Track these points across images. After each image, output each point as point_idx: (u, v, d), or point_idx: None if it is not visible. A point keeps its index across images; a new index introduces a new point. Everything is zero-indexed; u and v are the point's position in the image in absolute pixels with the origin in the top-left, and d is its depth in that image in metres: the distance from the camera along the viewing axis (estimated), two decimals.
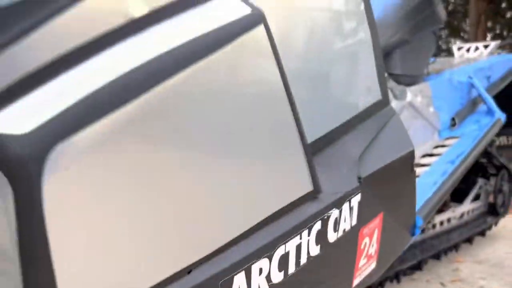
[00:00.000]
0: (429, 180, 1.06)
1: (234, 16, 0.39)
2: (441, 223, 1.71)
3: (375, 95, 0.64)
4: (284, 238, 0.44)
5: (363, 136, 0.58)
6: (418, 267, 1.53)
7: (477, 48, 2.22)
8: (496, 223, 2.19)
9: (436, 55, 2.20)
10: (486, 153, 1.93)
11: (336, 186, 0.50)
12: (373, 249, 0.58)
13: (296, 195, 0.45)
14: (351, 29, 0.61)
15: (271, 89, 0.43)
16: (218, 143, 0.40)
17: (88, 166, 0.31)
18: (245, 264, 0.41)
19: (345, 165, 0.53)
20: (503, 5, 4.78)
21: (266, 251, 0.43)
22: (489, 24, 5.64)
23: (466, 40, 6.15)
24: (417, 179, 1.15)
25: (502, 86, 1.81)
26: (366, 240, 0.57)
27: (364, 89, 0.62)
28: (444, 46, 7.61)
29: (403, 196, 0.68)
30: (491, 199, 2.10)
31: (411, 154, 0.65)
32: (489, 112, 1.51)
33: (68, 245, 0.30)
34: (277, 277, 0.45)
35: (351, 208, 0.52)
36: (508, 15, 5.00)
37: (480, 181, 2.02)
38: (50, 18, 0.30)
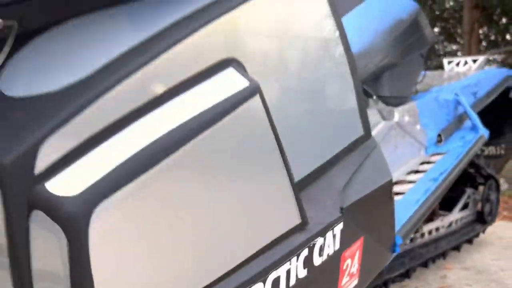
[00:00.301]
0: (413, 198, 1.15)
1: (235, 88, 0.48)
2: (430, 231, 1.79)
3: (358, 131, 0.72)
4: (276, 265, 0.52)
5: (347, 169, 0.67)
6: (407, 274, 1.62)
7: (466, 63, 2.31)
8: (484, 231, 2.28)
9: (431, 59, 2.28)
10: (473, 164, 2.02)
11: (321, 217, 0.58)
12: (354, 269, 0.67)
13: (286, 228, 0.53)
14: (333, 73, 0.70)
15: (264, 143, 0.51)
16: (223, 190, 0.48)
17: (122, 218, 0.40)
18: None
19: (329, 197, 0.62)
20: (497, 12, 4.87)
21: (260, 276, 0.51)
22: (484, 30, 5.74)
23: (461, 45, 6.21)
24: (402, 196, 1.24)
25: (488, 101, 1.89)
26: (348, 261, 0.65)
27: (347, 127, 0.70)
28: (441, 50, 7.72)
29: (382, 220, 0.76)
30: (479, 207, 2.19)
31: (390, 183, 0.74)
32: (474, 128, 1.60)
33: (108, 276, 0.39)
34: None
35: (334, 235, 0.61)
36: (503, 20, 5.09)
37: (469, 191, 2.11)
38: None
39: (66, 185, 0.37)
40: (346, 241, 0.62)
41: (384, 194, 0.72)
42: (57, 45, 0.45)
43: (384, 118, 1.31)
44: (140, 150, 0.41)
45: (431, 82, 2.06)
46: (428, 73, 2.38)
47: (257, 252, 0.50)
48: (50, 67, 0.44)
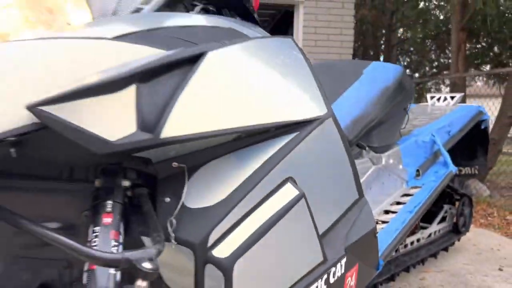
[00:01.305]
0: (393, 227, 1.58)
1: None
2: (412, 242, 2.21)
3: (355, 195, 1.14)
4: (311, 283, 0.94)
5: (348, 221, 1.09)
6: (392, 278, 2.04)
7: (445, 99, 2.74)
8: (459, 239, 2.72)
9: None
10: (450, 186, 2.44)
11: (333, 255, 1.00)
12: (353, 283, 1.09)
13: (313, 265, 0.95)
14: (337, 162, 1.10)
15: (304, 222, 0.94)
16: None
17: (252, 263, 0.82)
18: None
19: (338, 241, 1.04)
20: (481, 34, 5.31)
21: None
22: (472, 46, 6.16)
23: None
24: (385, 225, 1.67)
25: (460, 137, 2.31)
26: (349, 279, 1.07)
27: (348, 196, 1.12)
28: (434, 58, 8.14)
29: (370, 252, 1.19)
30: (454, 220, 2.62)
31: (374, 228, 1.16)
32: (445, 164, 2.03)
33: None
34: None
35: (341, 265, 1.02)
36: (487, 40, 5.52)
37: (446, 206, 2.53)
38: None
39: (223, 250, 0.79)
40: (347, 267, 1.04)
41: (370, 235, 1.14)
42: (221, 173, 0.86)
43: (374, 163, 1.73)
44: (263, 223, 0.82)
45: (416, 116, 2.48)
46: (415, 106, 2.81)
47: (302, 277, 0.92)
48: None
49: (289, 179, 0.89)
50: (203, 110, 0.77)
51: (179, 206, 0.80)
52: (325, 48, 5.45)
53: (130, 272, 0.65)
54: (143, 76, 0.72)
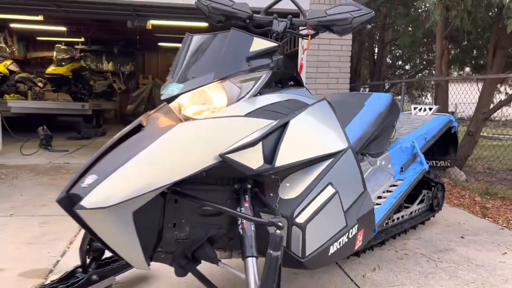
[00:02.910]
0: (384, 207, 2.40)
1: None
2: (398, 218, 3.06)
3: (361, 189, 1.95)
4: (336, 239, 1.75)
5: (357, 204, 1.91)
6: (383, 243, 2.89)
7: (425, 109, 3.56)
8: (434, 216, 3.57)
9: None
10: (427, 176, 3.28)
11: (351, 222, 1.81)
12: (361, 238, 1.92)
13: (341, 227, 1.76)
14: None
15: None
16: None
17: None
18: None
19: (353, 215, 1.84)
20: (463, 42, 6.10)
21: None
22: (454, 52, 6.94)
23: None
24: (379, 206, 2.51)
25: (434, 141, 3.14)
26: (359, 237, 1.88)
27: (359, 189, 1.93)
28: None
29: (370, 222, 2.01)
30: (430, 202, 3.47)
31: (372, 209, 1.98)
32: (421, 163, 2.87)
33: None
34: None
35: (354, 229, 1.82)
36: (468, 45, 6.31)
37: (424, 191, 3.38)
38: None
39: (301, 219, 1.60)
40: (358, 230, 1.87)
41: (370, 212, 1.96)
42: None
43: (371, 165, 2.56)
44: (318, 206, 1.63)
45: (402, 124, 3.30)
46: (403, 114, 3.63)
47: (335, 233, 1.74)
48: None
49: (330, 183, 1.72)
50: (291, 151, 1.58)
51: (278, 198, 1.63)
52: (327, 51, 6.24)
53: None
54: (265, 136, 1.52)
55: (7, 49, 9.44)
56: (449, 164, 3.70)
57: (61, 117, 10.78)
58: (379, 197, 2.56)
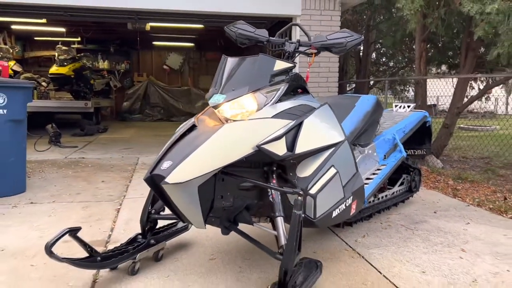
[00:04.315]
0: (371, 186, 3.04)
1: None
2: (382, 197, 3.72)
3: (354, 170, 2.57)
4: (335, 207, 2.38)
5: (352, 182, 2.53)
6: (370, 216, 3.55)
7: (404, 107, 4.22)
8: (412, 196, 4.23)
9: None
10: (405, 163, 3.94)
11: (347, 194, 2.43)
12: (354, 206, 2.53)
13: (340, 197, 2.38)
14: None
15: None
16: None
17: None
18: None
19: (349, 189, 2.47)
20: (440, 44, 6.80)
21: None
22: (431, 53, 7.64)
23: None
24: (368, 185, 3.15)
25: (411, 133, 3.80)
26: (354, 205, 2.50)
27: (352, 169, 2.55)
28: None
29: (361, 196, 2.62)
30: (409, 184, 4.14)
31: (363, 185, 2.61)
32: (400, 151, 3.52)
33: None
34: None
35: (350, 199, 2.45)
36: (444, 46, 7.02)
37: (404, 175, 4.04)
38: None
39: (313, 190, 2.21)
40: (353, 200, 2.49)
41: (361, 188, 2.57)
42: None
43: (361, 153, 3.20)
44: (325, 182, 2.24)
45: (385, 120, 3.94)
46: (387, 111, 4.28)
47: (337, 202, 2.35)
48: None
49: (333, 165, 2.34)
50: (306, 142, 2.20)
51: (296, 176, 2.25)
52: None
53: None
54: (287, 132, 2.14)
55: (10, 50, 9.83)
56: (424, 153, 4.34)
57: (59, 115, 11.19)
58: (368, 178, 3.20)
